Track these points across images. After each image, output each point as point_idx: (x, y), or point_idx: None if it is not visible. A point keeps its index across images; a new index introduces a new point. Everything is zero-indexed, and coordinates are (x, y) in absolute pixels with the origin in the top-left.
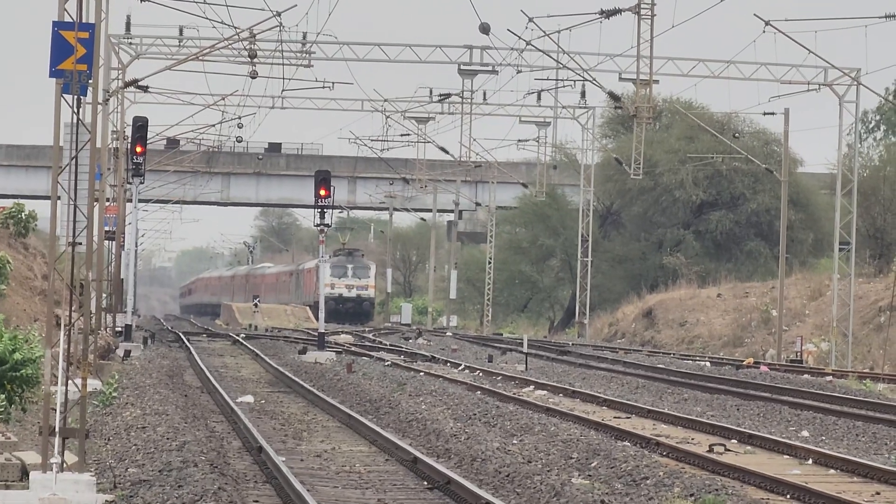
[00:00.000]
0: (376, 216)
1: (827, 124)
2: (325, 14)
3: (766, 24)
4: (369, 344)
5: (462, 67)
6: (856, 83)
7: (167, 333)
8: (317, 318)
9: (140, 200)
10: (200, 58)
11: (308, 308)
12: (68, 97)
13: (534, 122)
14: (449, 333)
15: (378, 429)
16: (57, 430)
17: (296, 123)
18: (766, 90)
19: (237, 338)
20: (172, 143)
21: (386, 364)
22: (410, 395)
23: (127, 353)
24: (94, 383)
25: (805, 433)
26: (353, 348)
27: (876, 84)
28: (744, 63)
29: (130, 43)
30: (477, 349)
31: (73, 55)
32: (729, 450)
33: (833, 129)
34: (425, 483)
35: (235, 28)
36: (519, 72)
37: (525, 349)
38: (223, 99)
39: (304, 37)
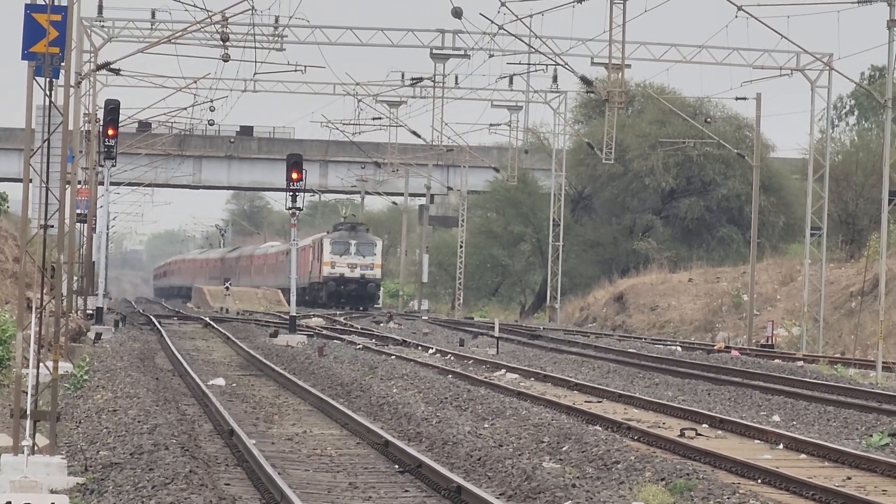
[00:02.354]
0: (348, 200)
1: (799, 109)
2: None
3: (739, 8)
4: (340, 327)
5: (434, 51)
6: (828, 68)
7: (138, 316)
8: (288, 302)
9: (112, 183)
10: (173, 41)
11: (279, 291)
12: (40, 80)
13: (506, 107)
14: (425, 318)
15: (349, 412)
16: (28, 412)
17: (267, 107)
18: (739, 75)
19: (208, 321)
20: (144, 126)
21: (357, 347)
22: (382, 379)
23: (98, 336)
24: (65, 366)
25: (776, 418)
26: (324, 332)
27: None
28: (716, 48)
29: (103, 26)
30: (448, 333)
31: (46, 38)
32: (700, 434)
33: (805, 115)
34: (396, 466)
35: (208, 11)
36: (491, 56)
37: (496, 333)
38: (195, 82)
39: (277, 20)
